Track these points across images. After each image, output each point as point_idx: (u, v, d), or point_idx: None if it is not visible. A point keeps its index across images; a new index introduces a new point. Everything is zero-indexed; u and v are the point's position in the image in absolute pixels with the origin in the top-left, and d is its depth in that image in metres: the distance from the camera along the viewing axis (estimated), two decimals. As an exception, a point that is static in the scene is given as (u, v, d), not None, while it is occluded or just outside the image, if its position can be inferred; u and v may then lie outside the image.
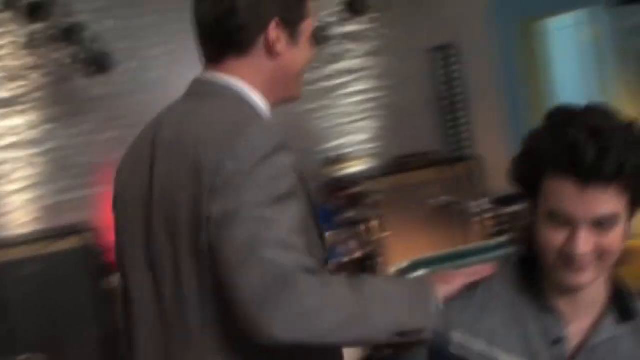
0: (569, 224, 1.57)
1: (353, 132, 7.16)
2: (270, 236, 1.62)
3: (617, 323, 1.72)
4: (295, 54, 1.94)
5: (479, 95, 7.32)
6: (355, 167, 6.23)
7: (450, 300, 1.74)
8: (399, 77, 7.21)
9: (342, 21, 6.90)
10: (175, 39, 6.53)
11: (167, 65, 6.55)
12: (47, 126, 6.22)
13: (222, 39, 1.92)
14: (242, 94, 1.89)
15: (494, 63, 7.47)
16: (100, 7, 6.33)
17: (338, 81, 6.99)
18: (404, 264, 4.37)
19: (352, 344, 1.67)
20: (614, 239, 1.59)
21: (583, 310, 1.72)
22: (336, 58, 7.01)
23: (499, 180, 7.22)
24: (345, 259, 5.62)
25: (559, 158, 1.56)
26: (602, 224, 1.57)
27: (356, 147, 7.14)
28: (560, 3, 7.65)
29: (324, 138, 7.09)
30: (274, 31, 1.88)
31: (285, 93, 1.99)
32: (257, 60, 1.91)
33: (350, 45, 7.09)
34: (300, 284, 1.58)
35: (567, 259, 1.59)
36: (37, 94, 6.16)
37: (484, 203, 5.35)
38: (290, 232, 1.64)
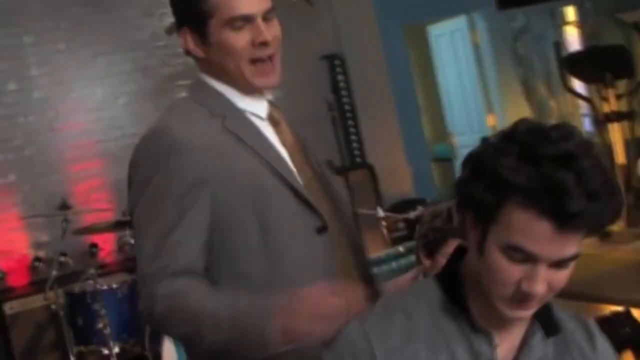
0: (530, 261, 1.45)
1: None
2: (144, 250, 1.86)
3: (544, 339, 1.62)
4: (214, 51, 1.99)
5: (370, 103, 7.36)
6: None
7: (369, 326, 1.59)
8: (289, 88, 7.19)
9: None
10: (52, 59, 6.44)
11: (48, 86, 6.42)
12: None
13: None
14: (207, 86, 2.04)
15: (383, 70, 7.51)
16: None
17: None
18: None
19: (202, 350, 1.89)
20: (566, 275, 1.49)
21: (512, 329, 1.60)
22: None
23: (393, 187, 7.31)
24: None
25: (541, 198, 1.40)
26: (561, 263, 1.47)
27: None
28: (444, 9, 7.79)
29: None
30: (185, 38, 2.01)
31: (244, 82, 2.02)
32: (198, 61, 2.06)
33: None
34: (157, 295, 1.81)
35: (520, 295, 1.47)
36: None
37: (380, 211, 5.33)
38: (175, 234, 1.84)
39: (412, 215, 5.33)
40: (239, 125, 1.99)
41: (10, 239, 6.19)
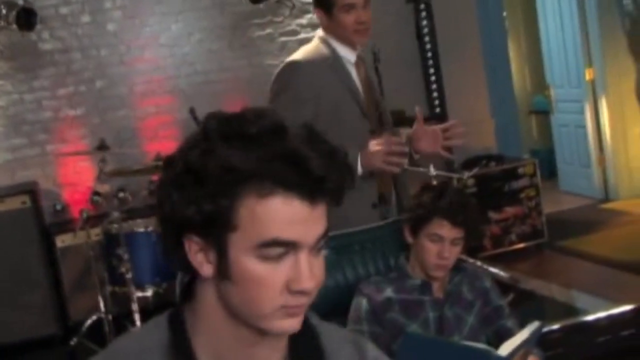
0: (290, 253, 1.26)
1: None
2: None
3: None
4: (333, 21, 3.36)
5: (454, 51, 6.97)
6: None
7: None
8: (373, 33, 6.92)
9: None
10: (126, -8, 6.36)
11: (120, 20, 6.36)
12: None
13: None
14: (326, 40, 3.45)
15: (471, 16, 7.12)
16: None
17: (303, 36, 6.73)
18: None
19: None
20: (322, 263, 1.31)
21: None
22: (302, 12, 6.76)
23: (473, 141, 6.97)
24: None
25: (283, 174, 1.23)
26: (317, 246, 1.29)
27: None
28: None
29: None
30: (316, 13, 3.45)
31: (349, 41, 3.40)
32: (322, 24, 3.46)
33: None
34: None
35: (290, 301, 1.27)
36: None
37: (432, 169, 5.03)
38: None
39: (465, 175, 5.05)
40: (337, 65, 3.41)
41: (76, 171, 6.25)
